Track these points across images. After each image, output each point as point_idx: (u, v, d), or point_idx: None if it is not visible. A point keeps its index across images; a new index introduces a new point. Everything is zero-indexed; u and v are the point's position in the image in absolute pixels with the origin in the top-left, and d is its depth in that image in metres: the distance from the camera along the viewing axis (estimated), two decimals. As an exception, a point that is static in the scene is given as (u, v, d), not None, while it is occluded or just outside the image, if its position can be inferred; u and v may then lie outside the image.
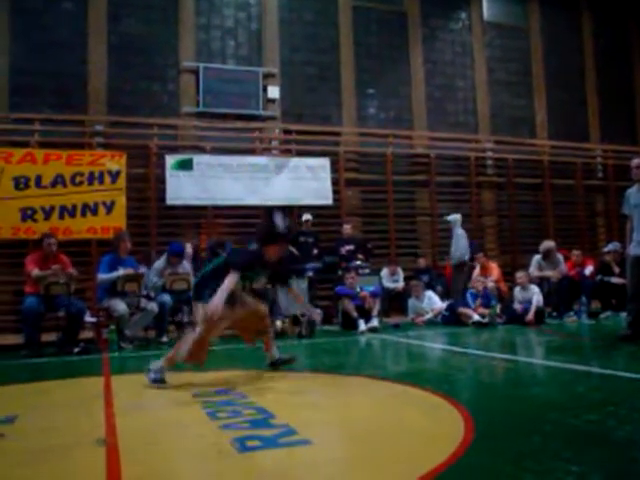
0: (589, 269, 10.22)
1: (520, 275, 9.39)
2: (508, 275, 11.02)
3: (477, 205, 12.77)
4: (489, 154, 13.27)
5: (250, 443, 2.77)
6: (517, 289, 9.37)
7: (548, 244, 10.07)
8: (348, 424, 3.24)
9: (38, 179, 9.46)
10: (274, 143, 11.80)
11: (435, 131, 12.79)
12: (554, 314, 9.70)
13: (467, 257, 10.44)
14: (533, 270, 9.92)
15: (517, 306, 9.12)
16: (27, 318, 6.95)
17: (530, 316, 8.81)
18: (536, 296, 9.07)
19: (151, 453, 2.77)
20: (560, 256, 10.09)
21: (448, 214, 11.07)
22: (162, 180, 10.39)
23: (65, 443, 2.90)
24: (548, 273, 9.86)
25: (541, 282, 9.74)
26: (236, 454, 2.64)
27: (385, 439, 2.89)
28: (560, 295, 9.74)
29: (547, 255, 9.93)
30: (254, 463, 2.52)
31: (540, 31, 14.08)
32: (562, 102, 14.05)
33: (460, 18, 13.50)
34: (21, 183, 9.37)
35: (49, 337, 7.45)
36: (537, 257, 10.09)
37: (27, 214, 9.35)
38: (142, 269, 8.00)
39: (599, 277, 9.83)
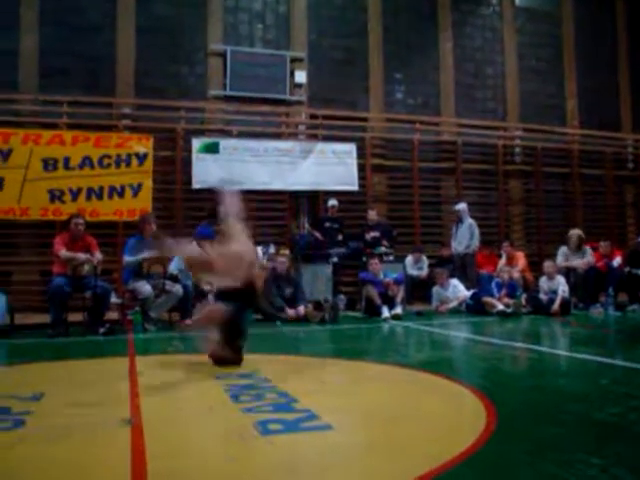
0: (617, 260, 10.08)
1: (548, 265, 9.29)
2: (534, 265, 10.90)
3: (504, 194, 12.62)
4: (517, 142, 13.10)
5: (272, 426, 2.79)
6: (543, 279, 9.27)
7: (576, 233, 10.00)
8: (369, 410, 3.24)
9: (66, 161, 9.55)
10: (300, 128, 11.78)
11: (463, 118, 12.64)
12: (580, 305, 9.58)
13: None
14: (560, 260, 9.83)
15: (543, 296, 9.03)
16: (54, 298, 7.05)
17: (555, 307, 8.72)
18: (562, 286, 8.98)
19: (175, 434, 2.80)
20: (587, 247, 9.98)
21: (456, 203, 11.06)
22: (188, 163, 10.44)
23: (91, 421, 2.95)
24: (575, 263, 9.76)
25: (568, 273, 9.64)
26: (258, 437, 2.66)
27: (406, 426, 2.89)
28: (586, 286, 9.63)
29: (574, 245, 9.84)
30: (275, 446, 2.54)
31: (572, 17, 13.80)
32: (593, 90, 13.78)
33: (491, 3, 13.29)
34: (50, 164, 9.46)
35: (76, 317, 7.56)
36: (564, 247, 9.99)
37: (55, 195, 9.44)
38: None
39: (627, 269, 9.69)
